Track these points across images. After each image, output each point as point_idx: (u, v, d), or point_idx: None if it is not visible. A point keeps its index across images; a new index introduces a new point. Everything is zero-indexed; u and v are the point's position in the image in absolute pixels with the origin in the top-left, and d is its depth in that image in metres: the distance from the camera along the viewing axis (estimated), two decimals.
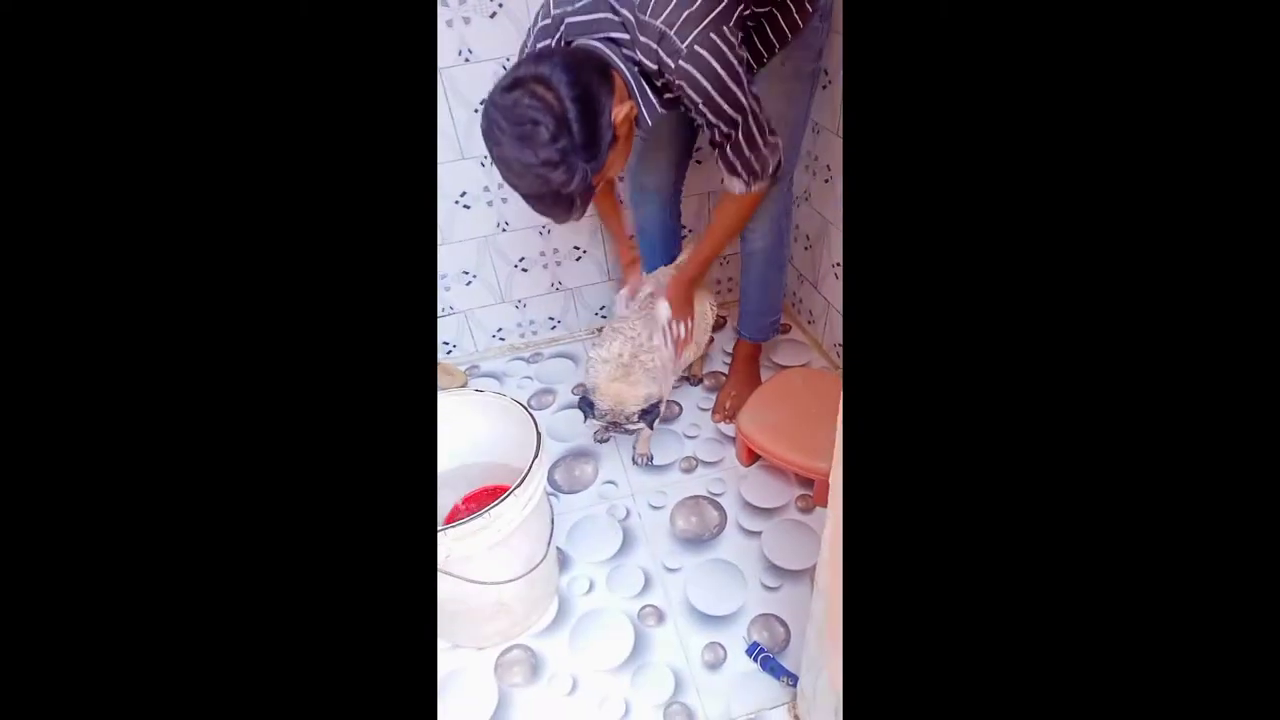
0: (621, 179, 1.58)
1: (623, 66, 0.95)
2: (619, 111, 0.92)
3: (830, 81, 1.37)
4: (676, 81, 0.94)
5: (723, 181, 1.14)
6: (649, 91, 0.97)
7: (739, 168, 1.09)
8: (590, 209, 1.30)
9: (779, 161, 1.12)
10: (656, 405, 1.26)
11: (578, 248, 1.67)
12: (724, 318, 1.80)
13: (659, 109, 0.99)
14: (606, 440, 1.48)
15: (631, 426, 1.27)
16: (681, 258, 1.46)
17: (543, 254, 1.65)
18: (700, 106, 0.97)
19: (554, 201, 0.92)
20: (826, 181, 1.48)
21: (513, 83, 0.85)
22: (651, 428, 1.30)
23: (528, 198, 0.93)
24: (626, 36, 0.93)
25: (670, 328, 1.31)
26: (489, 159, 1.45)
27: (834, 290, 1.56)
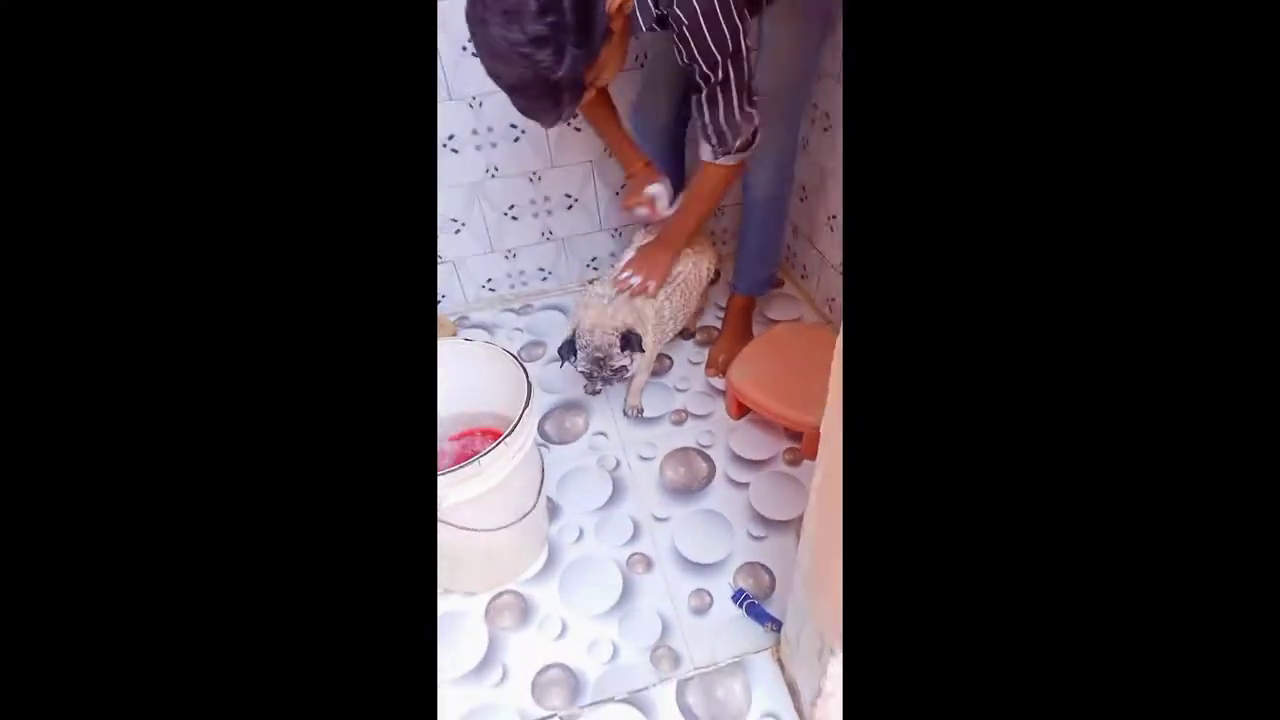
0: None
1: None
2: (614, 1, 0.87)
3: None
4: None
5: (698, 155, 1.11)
6: None
7: (709, 127, 1.05)
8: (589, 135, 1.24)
9: (753, 135, 1.08)
10: (634, 335, 1.22)
11: (569, 195, 1.63)
12: (719, 272, 1.78)
13: (653, 10, 0.94)
14: (597, 392, 1.47)
15: (615, 362, 1.22)
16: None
17: (533, 202, 1.62)
18: (684, 30, 0.92)
19: (541, 91, 0.86)
20: (825, 130, 1.45)
21: None
22: (631, 356, 1.24)
23: (513, 91, 0.88)
24: None
25: (628, 273, 1.28)
26: (478, 100, 1.41)
27: (829, 244, 1.54)
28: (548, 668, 1.04)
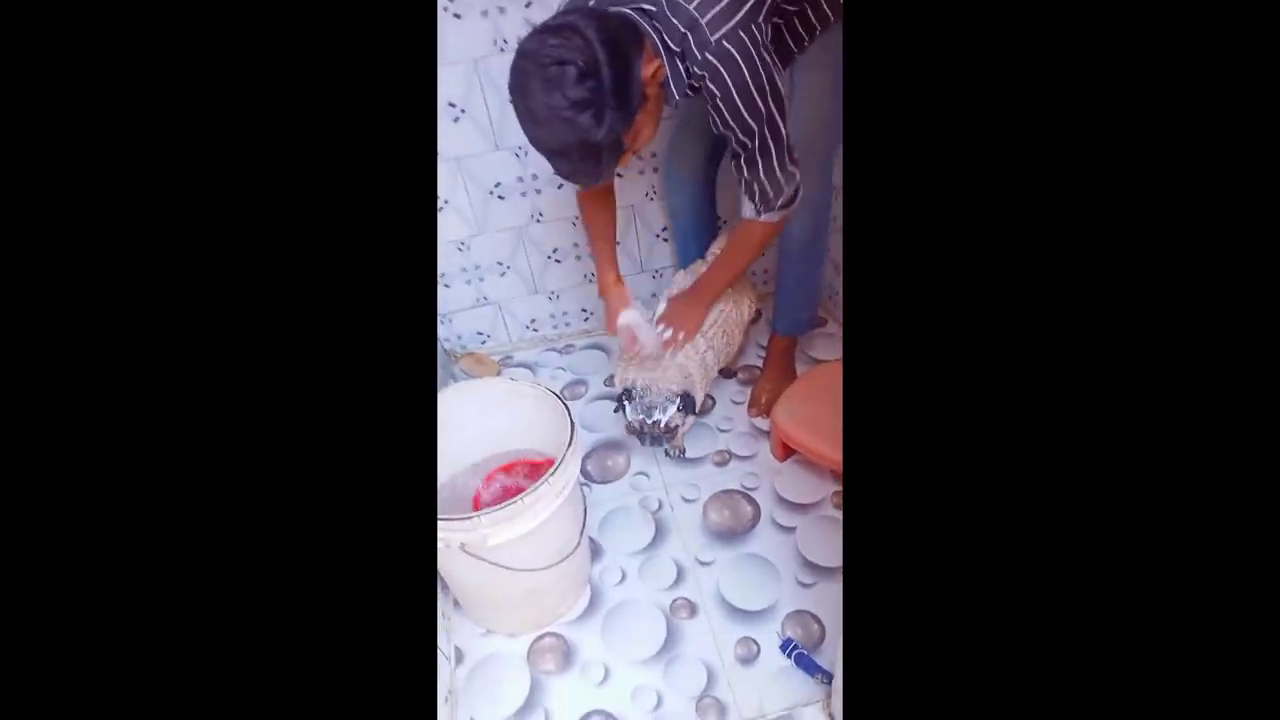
0: (656, 170, 1.57)
1: (652, 33, 0.93)
2: (648, 69, 0.90)
3: None
4: (698, 72, 0.93)
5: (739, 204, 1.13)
6: (678, 66, 0.95)
7: (753, 188, 1.07)
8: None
9: (795, 192, 1.09)
10: (690, 397, 1.24)
11: None
12: (760, 311, 1.78)
13: (685, 80, 0.96)
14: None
15: (671, 422, 1.23)
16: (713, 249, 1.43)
17: (575, 245, 1.65)
18: (718, 101, 0.94)
19: (582, 154, 0.88)
20: None
21: (541, 29, 0.84)
22: (685, 417, 1.25)
23: (554, 154, 0.90)
24: (654, 8, 0.92)
25: (651, 331, 1.25)
26: (524, 150, 1.46)
27: None
28: (590, 714, 1.01)
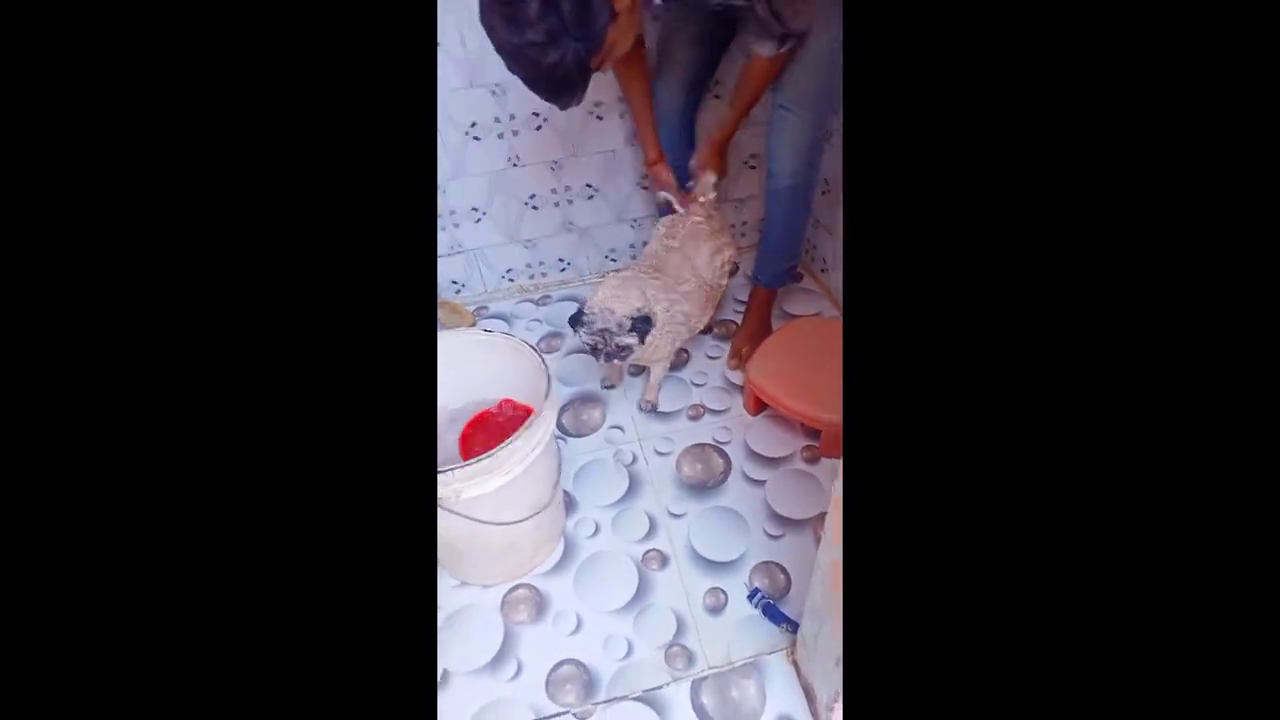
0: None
1: None
2: None
3: None
4: None
5: (749, 51, 1.14)
6: None
7: (770, 22, 1.06)
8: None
9: (800, 33, 1.11)
10: (647, 319, 1.20)
11: (590, 185, 1.61)
12: (738, 265, 1.76)
13: None
14: (613, 387, 1.47)
15: (622, 340, 1.20)
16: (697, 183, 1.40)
17: (554, 191, 1.60)
18: None
19: (549, 85, 0.92)
20: None
21: None
22: (642, 341, 1.22)
23: (527, 83, 0.93)
24: None
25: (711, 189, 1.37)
26: (500, 87, 1.40)
27: None
28: (562, 663, 1.04)
